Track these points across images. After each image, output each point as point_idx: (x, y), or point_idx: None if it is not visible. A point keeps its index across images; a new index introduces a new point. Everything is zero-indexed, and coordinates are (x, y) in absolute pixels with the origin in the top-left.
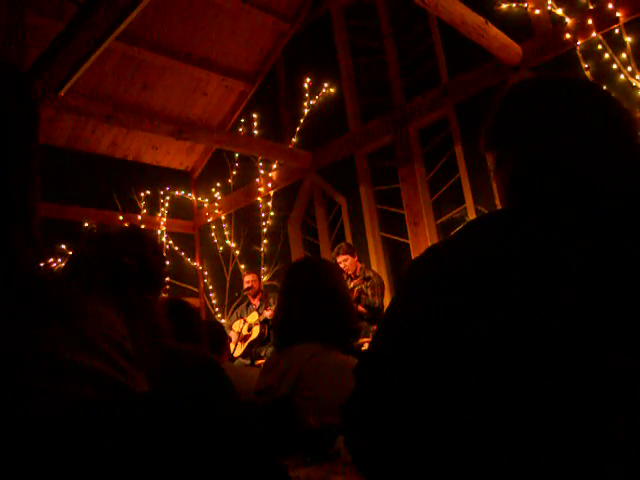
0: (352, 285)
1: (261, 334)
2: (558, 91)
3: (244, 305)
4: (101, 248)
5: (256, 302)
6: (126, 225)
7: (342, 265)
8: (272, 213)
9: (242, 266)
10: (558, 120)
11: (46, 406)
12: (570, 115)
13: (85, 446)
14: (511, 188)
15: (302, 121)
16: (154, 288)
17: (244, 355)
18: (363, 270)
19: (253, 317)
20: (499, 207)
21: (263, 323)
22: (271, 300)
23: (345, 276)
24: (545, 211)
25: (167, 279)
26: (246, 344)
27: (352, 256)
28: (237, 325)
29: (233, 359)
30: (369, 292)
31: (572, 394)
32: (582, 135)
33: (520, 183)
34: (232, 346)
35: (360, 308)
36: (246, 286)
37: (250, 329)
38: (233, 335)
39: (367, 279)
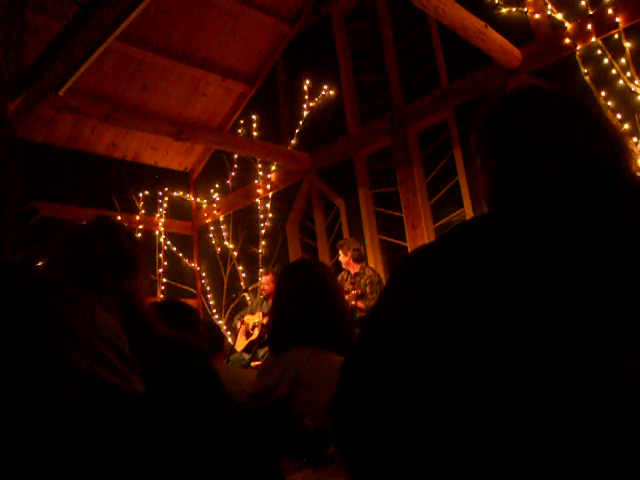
0: (347, 298)
1: (260, 336)
2: (543, 106)
3: (251, 304)
4: (74, 243)
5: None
6: (97, 216)
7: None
8: (270, 215)
9: (240, 267)
10: (542, 137)
11: (42, 408)
12: (552, 130)
13: (79, 446)
14: (490, 194)
15: (301, 123)
16: (130, 272)
17: (246, 350)
18: (363, 268)
19: (257, 317)
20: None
21: (264, 325)
22: None
23: (346, 275)
24: (517, 220)
25: (141, 263)
26: (247, 341)
27: (344, 254)
28: (249, 319)
29: (232, 352)
30: (368, 290)
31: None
32: (562, 150)
33: (498, 190)
34: (240, 335)
35: (359, 304)
36: (262, 286)
37: (253, 328)
38: (242, 327)
39: (361, 296)
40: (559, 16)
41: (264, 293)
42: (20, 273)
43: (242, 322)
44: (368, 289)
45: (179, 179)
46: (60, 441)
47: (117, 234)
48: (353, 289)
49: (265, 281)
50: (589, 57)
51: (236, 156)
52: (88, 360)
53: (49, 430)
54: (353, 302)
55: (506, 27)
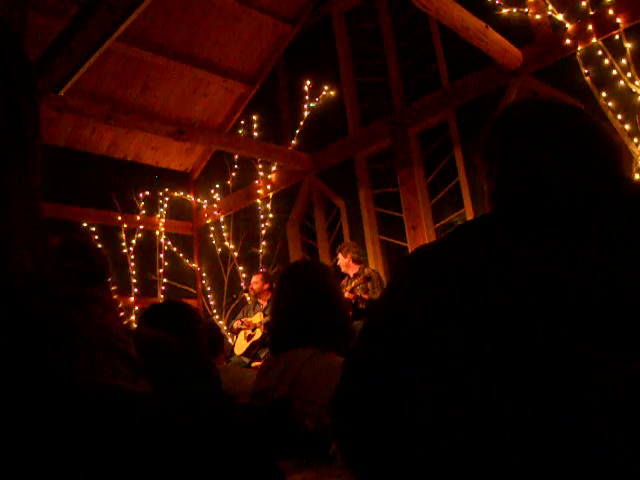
0: (354, 284)
1: (263, 336)
2: (543, 115)
3: (251, 304)
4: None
5: (264, 303)
6: (64, 237)
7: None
8: (271, 215)
9: (240, 267)
10: (543, 143)
11: (44, 412)
12: (555, 140)
13: (83, 452)
14: (495, 196)
15: (302, 123)
16: (97, 280)
17: (246, 354)
18: (362, 269)
19: (258, 318)
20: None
21: (266, 325)
22: None
23: (346, 278)
24: (521, 220)
25: (106, 275)
26: (249, 344)
27: (344, 256)
28: (248, 321)
29: (232, 354)
30: (369, 287)
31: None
32: (563, 154)
33: (500, 192)
34: (241, 338)
35: (364, 296)
36: (251, 285)
37: (254, 329)
38: (239, 332)
39: (368, 279)
40: (560, 17)
41: (252, 292)
42: (20, 273)
43: (240, 324)
44: (369, 285)
45: (180, 179)
46: (63, 450)
47: (83, 249)
48: (356, 280)
49: (254, 280)
50: (590, 58)
51: (237, 156)
52: (92, 364)
53: (52, 438)
54: (359, 291)
55: (507, 28)
